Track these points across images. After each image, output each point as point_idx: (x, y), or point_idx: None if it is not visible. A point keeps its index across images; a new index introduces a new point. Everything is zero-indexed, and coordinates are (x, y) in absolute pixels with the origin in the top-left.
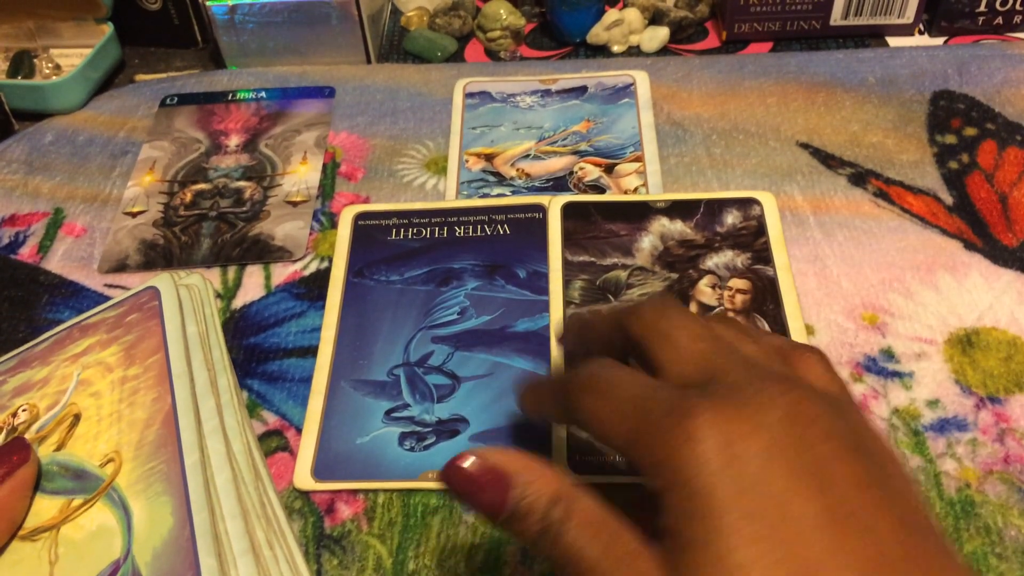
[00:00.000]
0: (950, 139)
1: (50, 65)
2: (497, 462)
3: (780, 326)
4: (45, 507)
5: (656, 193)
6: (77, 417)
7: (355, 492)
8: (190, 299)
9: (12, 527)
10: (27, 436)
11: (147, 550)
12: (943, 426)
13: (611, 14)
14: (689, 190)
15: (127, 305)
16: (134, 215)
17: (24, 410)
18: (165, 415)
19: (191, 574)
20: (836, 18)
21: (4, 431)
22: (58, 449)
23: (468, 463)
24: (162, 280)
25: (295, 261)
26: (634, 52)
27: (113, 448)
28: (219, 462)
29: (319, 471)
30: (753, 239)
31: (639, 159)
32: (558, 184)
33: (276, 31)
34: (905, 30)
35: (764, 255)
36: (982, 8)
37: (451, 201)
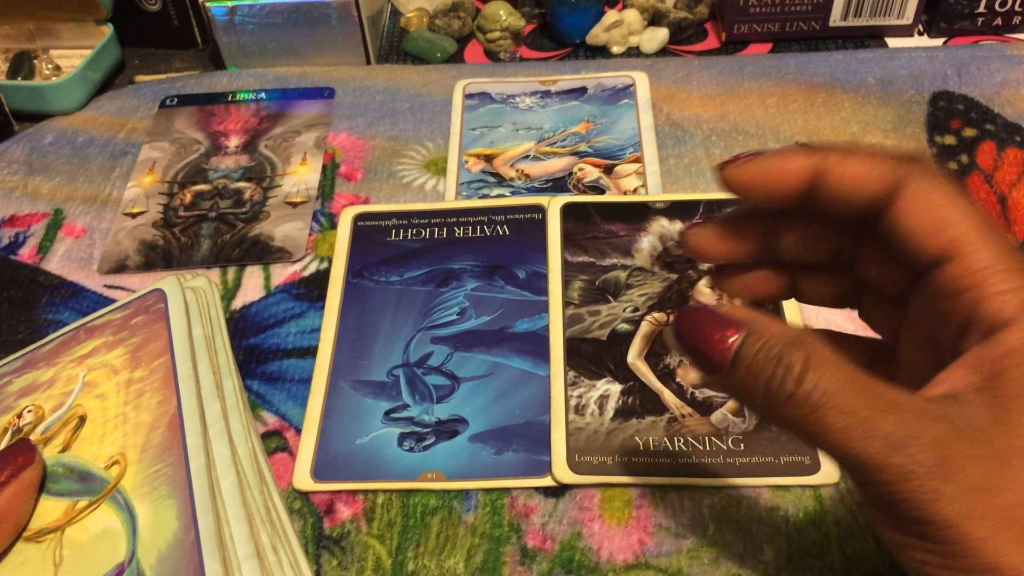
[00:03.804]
0: (949, 140)
1: (50, 66)
2: (726, 311)
3: None
4: (50, 509)
5: (655, 194)
6: (83, 419)
7: (354, 493)
8: (196, 302)
9: (17, 528)
10: (32, 437)
11: (152, 553)
12: None
13: (610, 15)
14: (688, 191)
15: (133, 307)
16: (134, 216)
17: (29, 411)
18: (171, 418)
19: None
20: (835, 19)
21: (9, 432)
22: (63, 451)
23: (698, 309)
24: (168, 282)
25: (295, 262)
26: (633, 53)
27: (118, 450)
28: (224, 466)
29: (318, 472)
30: None
31: (638, 160)
32: (557, 185)
33: (276, 32)
34: (904, 31)
35: None
36: (981, 9)
37: (450, 202)
